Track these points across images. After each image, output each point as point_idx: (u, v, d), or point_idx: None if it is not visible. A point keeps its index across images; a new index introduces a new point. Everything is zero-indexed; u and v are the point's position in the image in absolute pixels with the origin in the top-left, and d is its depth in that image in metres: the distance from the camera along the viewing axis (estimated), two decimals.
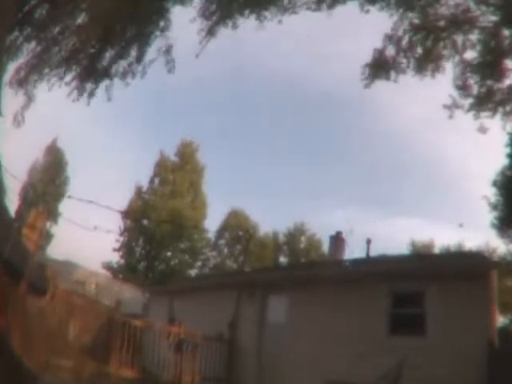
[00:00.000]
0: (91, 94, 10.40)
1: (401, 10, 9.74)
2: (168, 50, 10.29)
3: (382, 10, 9.67)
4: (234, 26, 10.07)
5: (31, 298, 4.62)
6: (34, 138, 30.82)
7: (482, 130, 10.50)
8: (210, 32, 10.13)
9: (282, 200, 43.49)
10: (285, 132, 46.49)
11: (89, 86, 10.36)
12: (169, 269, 30.98)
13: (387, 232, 39.47)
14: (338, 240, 16.77)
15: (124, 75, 10.37)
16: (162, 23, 10.22)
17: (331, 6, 9.73)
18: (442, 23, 9.89)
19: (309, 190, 45.39)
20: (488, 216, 19.77)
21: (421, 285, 9.90)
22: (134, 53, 10.41)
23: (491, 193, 19.60)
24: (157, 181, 33.20)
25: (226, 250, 35.77)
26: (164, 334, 10.65)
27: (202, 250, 34.09)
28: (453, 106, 10.55)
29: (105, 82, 10.37)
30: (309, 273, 13.06)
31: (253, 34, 10.19)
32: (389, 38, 10.24)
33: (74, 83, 10.20)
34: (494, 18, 9.60)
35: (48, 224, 29.45)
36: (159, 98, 40.38)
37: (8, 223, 3.62)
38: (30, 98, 10.22)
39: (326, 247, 26.78)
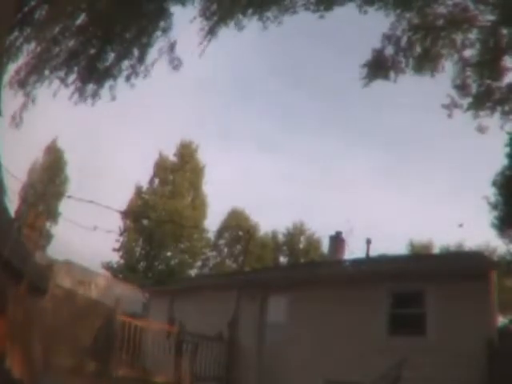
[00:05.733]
0: (93, 96, 10.41)
1: (398, 11, 9.74)
2: (171, 48, 10.30)
3: (380, 10, 9.67)
4: (239, 27, 10.06)
5: (31, 298, 4.62)
6: (34, 138, 30.85)
7: (481, 129, 10.51)
8: (211, 32, 10.13)
9: (282, 199, 43.52)
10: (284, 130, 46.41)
11: (90, 87, 10.37)
12: (169, 269, 30.92)
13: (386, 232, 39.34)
14: (337, 240, 16.75)
15: (128, 77, 10.39)
16: (162, 23, 10.23)
17: (329, 7, 9.73)
18: (440, 22, 9.90)
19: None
20: (488, 216, 19.78)
21: (421, 285, 9.90)
22: (135, 53, 10.43)
23: (491, 192, 19.61)
24: (157, 181, 33.18)
25: (225, 250, 35.77)
26: (164, 333, 10.66)
27: (201, 249, 34.05)
28: (451, 106, 10.56)
29: (109, 82, 10.39)
30: (309, 273, 13.06)
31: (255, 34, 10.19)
32: (387, 38, 10.24)
33: (75, 84, 10.21)
34: (492, 17, 9.61)
35: (48, 224, 29.46)
36: (159, 98, 40.35)
37: (8, 223, 3.62)
38: (29, 99, 10.22)
39: (325, 247, 26.77)
